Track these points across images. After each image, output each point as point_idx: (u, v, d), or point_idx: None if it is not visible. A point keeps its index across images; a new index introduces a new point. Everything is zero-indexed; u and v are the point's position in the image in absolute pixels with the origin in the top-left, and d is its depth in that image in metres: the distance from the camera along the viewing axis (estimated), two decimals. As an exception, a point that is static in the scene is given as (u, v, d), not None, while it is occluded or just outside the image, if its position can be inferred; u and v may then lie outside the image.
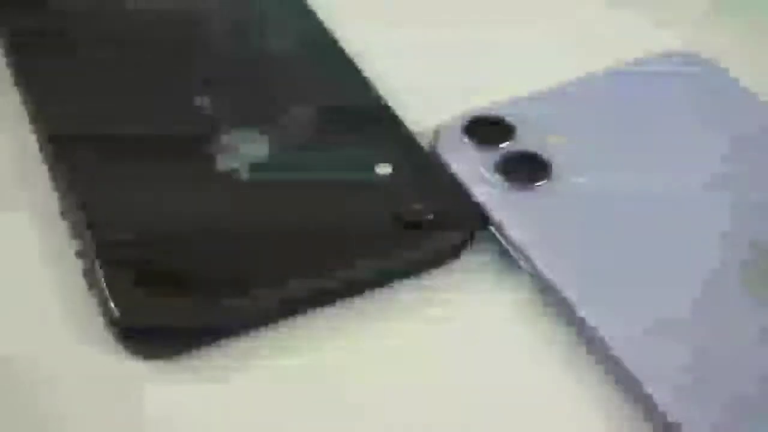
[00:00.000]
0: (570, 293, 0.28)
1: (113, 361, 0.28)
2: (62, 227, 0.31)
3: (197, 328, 0.28)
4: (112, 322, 0.27)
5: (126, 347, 0.28)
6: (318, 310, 0.29)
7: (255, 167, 0.32)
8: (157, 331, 0.28)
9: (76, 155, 0.32)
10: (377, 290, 0.29)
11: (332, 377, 0.28)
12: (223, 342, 0.28)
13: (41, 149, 0.33)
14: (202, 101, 0.34)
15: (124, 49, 0.36)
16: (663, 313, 0.28)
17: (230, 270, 0.29)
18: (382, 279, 0.29)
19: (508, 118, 0.33)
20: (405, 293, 0.30)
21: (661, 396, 0.26)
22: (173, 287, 0.28)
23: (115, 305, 0.27)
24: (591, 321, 0.28)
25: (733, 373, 0.26)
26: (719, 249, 0.29)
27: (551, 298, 0.29)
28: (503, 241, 0.30)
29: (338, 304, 0.29)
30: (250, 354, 0.28)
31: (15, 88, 0.35)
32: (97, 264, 0.28)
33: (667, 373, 0.26)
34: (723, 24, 0.38)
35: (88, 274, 0.29)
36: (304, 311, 0.29)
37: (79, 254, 0.29)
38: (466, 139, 0.33)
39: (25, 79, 0.35)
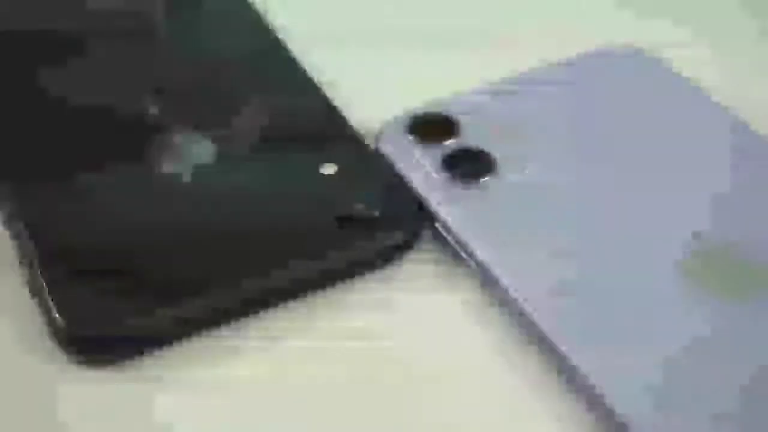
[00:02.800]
0: (516, 290, 0.28)
1: (58, 369, 0.27)
2: (4, 235, 0.30)
3: (142, 334, 0.27)
4: (56, 331, 0.27)
5: (71, 355, 0.27)
6: (262, 312, 0.29)
7: (200, 170, 0.32)
8: (103, 339, 0.27)
9: (15, 159, 0.32)
10: (324, 291, 0.29)
11: (278, 381, 0.28)
12: (168, 348, 0.28)
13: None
14: (146, 105, 0.34)
15: (70, 51, 0.36)
16: (610, 308, 0.28)
17: (175, 275, 0.28)
18: (328, 279, 0.29)
19: (451, 115, 0.33)
20: (350, 293, 0.30)
21: (610, 393, 0.26)
22: (118, 294, 0.28)
23: (59, 314, 0.27)
24: (537, 318, 0.28)
25: (682, 369, 0.26)
26: (663, 241, 0.29)
27: (497, 295, 0.29)
28: (449, 239, 0.30)
29: (283, 305, 0.29)
30: (196, 359, 0.28)
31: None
32: (39, 272, 0.28)
33: (617, 370, 0.26)
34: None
35: (31, 282, 0.28)
36: (248, 314, 0.29)
37: (22, 263, 0.29)
38: (410, 137, 0.33)
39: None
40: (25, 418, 0.27)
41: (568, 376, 0.27)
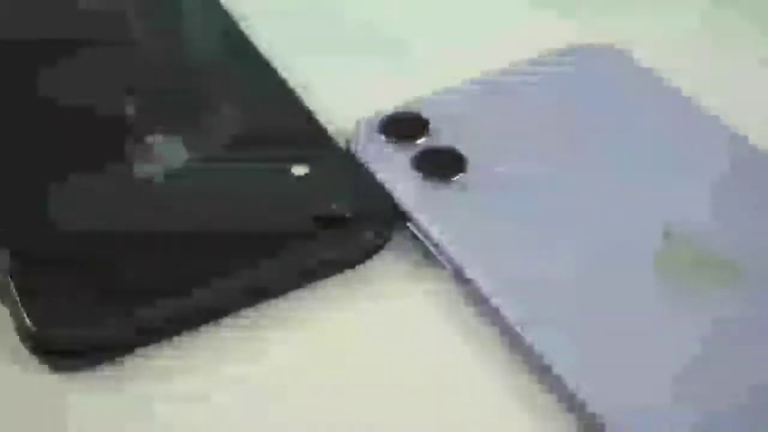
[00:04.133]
0: (488, 287, 0.28)
1: (27, 375, 0.27)
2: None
3: (115, 339, 0.27)
4: (27, 337, 0.27)
5: (42, 361, 0.27)
6: (237, 312, 0.29)
7: (173, 173, 0.32)
8: (75, 344, 0.27)
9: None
10: (297, 290, 0.29)
11: (253, 381, 0.28)
12: (143, 352, 0.28)
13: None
14: (120, 108, 0.34)
15: (44, 52, 0.36)
16: (585, 305, 0.28)
17: (147, 278, 0.28)
18: (301, 279, 0.29)
19: (423, 114, 0.33)
20: (324, 293, 0.30)
21: (586, 392, 0.26)
22: (90, 299, 0.28)
23: (30, 320, 0.27)
24: (510, 316, 0.28)
25: (655, 365, 0.26)
26: (635, 237, 0.30)
27: (470, 294, 0.29)
28: (421, 237, 0.30)
29: (257, 305, 0.29)
30: (170, 361, 0.28)
31: None
32: (9, 278, 0.28)
33: (592, 369, 0.26)
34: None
35: (1, 288, 0.28)
36: (223, 315, 0.29)
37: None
38: (382, 137, 0.33)
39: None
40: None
41: (545, 376, 0.27)
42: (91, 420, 0.27)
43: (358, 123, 0.33)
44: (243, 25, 0.38)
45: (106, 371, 0.28)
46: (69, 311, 0.27)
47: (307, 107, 0.34)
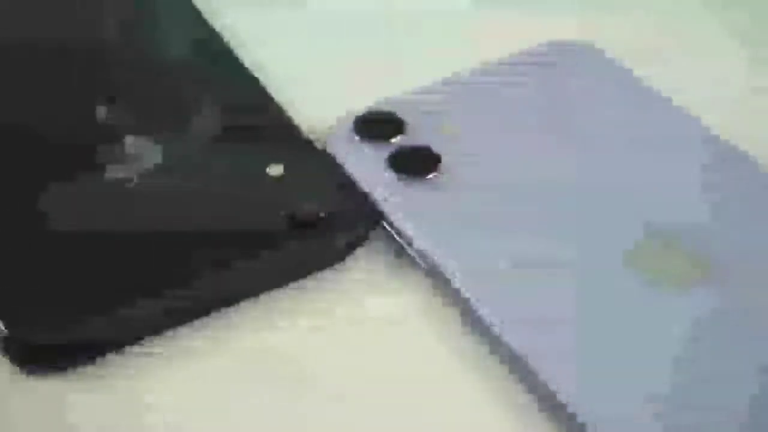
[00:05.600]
0: (465, 288, 0.29)
1: (7, 380, 0.27)
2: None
3: (89, 342, 0.27)
4: (3, 341, 0.27)
5: (18, 364, 0.27)
6: (212, 313, 0.29)
7: (147, 175, 0.31)
8: (50, 346, 0.27)
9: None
10: (274, 291, 0.29)
11: (230, 382, 0.28)
12: (117, 353, 0.28)
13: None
14: (93, 111, 0.33)
15: (16, 55, 0.36)
16: (561, 303, 0.28)
17: (122, 280, 0.28)
18: (277, 279, 0.29)
19: (397, 114, 0.33)
20: (299, 293, 0.30)
21: (566, 393, 0.26)
22: (64, 301, 0.28)
23: (5, 324, 0.27)
24: (486, 314, 0.28)
25: (636, 364, 0.27)
26: (611, 234, 0.30)
27: (446, 293, 0.29)
28: (397, 237, 0.30)
29: (232, 306, 0.29)
30: (146, 362, 0.28)
31: None
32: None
33: (571, 368, 0.26)
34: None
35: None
36: (197, 317, 0.29)
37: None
38: (357, 137, 0.33)
39: None
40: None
41: (525, 377, 0.27)
42: (74, 420, 0.27)
43: (333, 123, 0.33)
44: (216, 25, 0.37)
45: (82, 371, 0.28)
46: (45, 313, 0.27)
47: (282, 107, 0.34)
